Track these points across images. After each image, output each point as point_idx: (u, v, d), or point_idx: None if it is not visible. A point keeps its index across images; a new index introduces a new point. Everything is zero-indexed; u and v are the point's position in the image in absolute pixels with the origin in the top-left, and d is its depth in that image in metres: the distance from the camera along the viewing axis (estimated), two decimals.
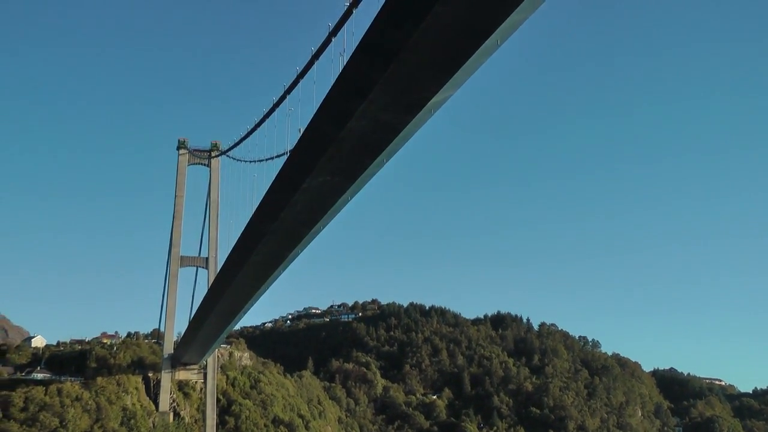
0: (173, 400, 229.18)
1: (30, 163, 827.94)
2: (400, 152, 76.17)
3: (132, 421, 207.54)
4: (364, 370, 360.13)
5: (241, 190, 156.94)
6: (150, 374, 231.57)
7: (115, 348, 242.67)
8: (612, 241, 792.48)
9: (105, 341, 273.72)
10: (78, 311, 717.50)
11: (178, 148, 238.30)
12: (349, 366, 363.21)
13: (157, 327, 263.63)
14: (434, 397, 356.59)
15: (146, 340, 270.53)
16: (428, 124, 69.23)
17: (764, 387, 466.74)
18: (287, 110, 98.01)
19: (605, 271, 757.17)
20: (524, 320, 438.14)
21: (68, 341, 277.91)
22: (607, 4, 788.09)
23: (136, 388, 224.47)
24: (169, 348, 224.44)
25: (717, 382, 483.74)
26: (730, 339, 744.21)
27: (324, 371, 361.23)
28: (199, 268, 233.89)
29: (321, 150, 75.28)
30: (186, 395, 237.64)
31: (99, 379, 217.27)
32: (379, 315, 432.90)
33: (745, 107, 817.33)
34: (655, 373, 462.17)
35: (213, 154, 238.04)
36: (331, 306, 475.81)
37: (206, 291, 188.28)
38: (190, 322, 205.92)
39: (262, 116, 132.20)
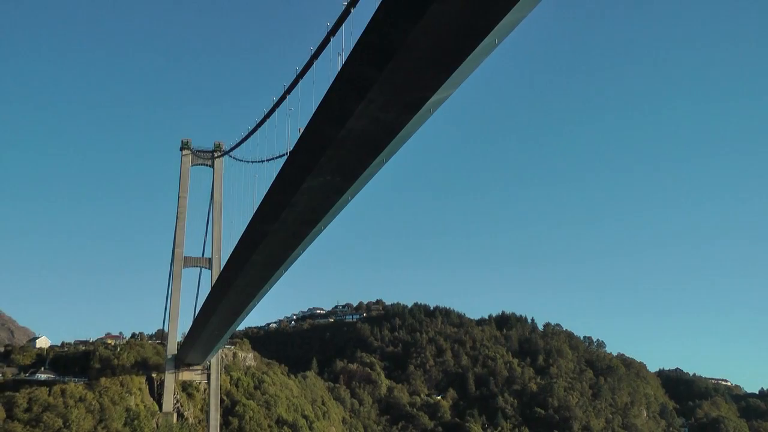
0: (177, 401, 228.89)
1: (35, 165, 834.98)
2: (405, 153, 76.22)
3: (135, 422, 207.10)
4: (369, 370, 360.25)
5: (244, 191, 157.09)
6: (154, 375, 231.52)
7: (118, 349, 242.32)
8: (617, 242, 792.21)
9: (109, 342, 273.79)
10: (82, 312, 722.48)
11: (182, 149, 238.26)
12: (354, 366, 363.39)
13: (161, 328, 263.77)
14: (438, 397, 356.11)
15: (150, 341, 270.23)
16: (432, 125, 69.14)
17: None
18: (287, 110, 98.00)
19: (610, 272, 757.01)
20: (529, 320, 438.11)
21: (72, 342, 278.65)
22: (607, 5, 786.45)
23: (140, 389, 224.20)
24: (172, 349, 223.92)
25: (723, 383, 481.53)
26: (736, 339, 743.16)
27: (328, 372, 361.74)
28: (203, 269, 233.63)
29: (321, 150, 75.09)
30: (190, 396, 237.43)
31: (103, 379, 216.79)
32: (383, 315, 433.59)
33: (743, 109, 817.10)
34: (661, 374, 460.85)
35: (216, 154, 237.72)
36: (336, 306, 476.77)
37: (209, 291, 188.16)
38: (193, 323, 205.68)
39: (262, 116, 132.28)
